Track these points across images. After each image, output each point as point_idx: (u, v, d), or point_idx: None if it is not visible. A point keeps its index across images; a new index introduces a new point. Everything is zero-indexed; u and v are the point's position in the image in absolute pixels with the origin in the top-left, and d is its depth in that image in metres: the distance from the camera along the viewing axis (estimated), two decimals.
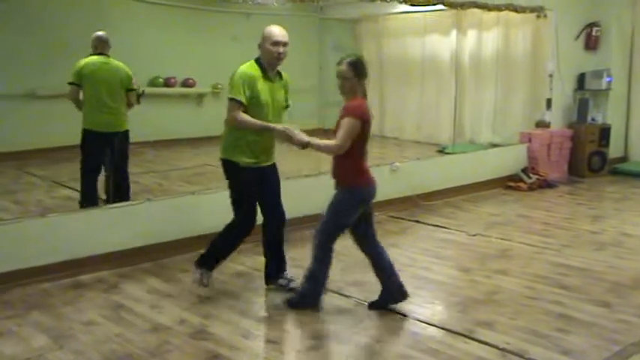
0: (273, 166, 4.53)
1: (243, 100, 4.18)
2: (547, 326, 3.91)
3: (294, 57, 11.70)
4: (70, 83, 5.60)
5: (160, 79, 9.56)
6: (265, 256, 4.58)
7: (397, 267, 5.10)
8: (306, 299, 4.17)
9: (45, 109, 7.83)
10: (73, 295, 4.47)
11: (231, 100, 4.21)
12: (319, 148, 4.09)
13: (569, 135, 8.73)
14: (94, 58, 5.67)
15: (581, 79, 8.94)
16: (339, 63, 4.08)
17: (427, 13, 9.70)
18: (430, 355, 3.56)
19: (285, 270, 4.59)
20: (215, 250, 4.49)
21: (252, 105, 4.20)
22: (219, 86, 10.38)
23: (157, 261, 5.14)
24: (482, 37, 9.72)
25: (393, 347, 3.68)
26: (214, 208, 5.65)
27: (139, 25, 9.02)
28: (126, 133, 5.83)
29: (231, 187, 4.39)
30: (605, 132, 8.87)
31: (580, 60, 8.95)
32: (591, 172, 8.82)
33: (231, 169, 4.31)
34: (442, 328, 3.92)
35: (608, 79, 8.83)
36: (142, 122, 7.11)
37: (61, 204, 5.69)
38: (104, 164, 5.76)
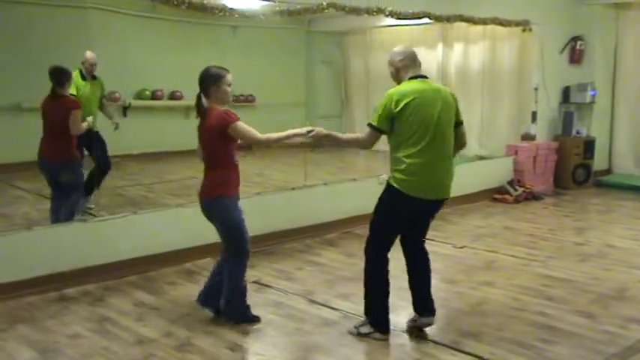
0: None
1: None
2: (532, 337, 3.94)
3: (281, 70, 11.85)
4: None
5: (147, 92, 9.56)
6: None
7: None
8: None
9: (30, 121, 7.77)
10: (58, 308, 4.44)
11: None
12: None
13: (555, 147, 8.82)
14: None
15: (565, 92, 9.05)
16: None
17: (414, 26, 9.77)
18: None
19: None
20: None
21: None
22: None
23: (143, 274, 5.12)
24: (469, 51, 9.83)
25: (379, 359, 3.68)
26: (201, 221, 5.66)
27: (125, 38, 9.02)
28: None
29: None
30: (589, 145, 8.96)
31: (565, 73, 9.06)
32: (576, 185, 8.90)
33: None
34: (427, 340, 3.93)
35: (592, 93, 8.94)
36: (128, 135, 7.12)
37: (47, 217, 5.66)
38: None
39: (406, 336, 3.98)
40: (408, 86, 3.84)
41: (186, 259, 5.44)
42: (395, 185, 3.82)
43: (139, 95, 9.43)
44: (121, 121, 7.10)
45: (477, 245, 6.00)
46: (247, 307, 4.19)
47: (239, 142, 4.08)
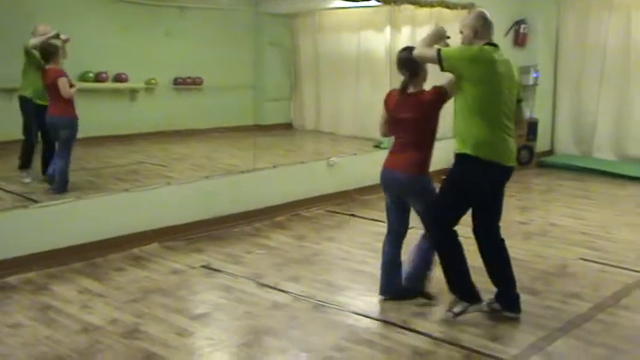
0: None
1: None
2: (478, 315, 4.02)
3: (229, 52, 11.68)
4: None
5: (91, 74, 9.25)
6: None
7: (333, 261, 5.18)
8: None
9: None
10: None
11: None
12: None
13: None
14: None
15: None
16: None
17: (362, 8, 9.77)
18: (365, 346, 3.61)
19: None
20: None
21: None
22: (153, 81, 10.18)
23: (88, 260, 5.00)
24: (417, 33, 9.87)
25: (328, 340, 3.70)
26: (149, 205, 5.57)
27: (67, 18, 8.71)
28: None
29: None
30: (532, 127, 9.17)
31: (509, 56, 8.92)
32: (520, 165, 9.11)
33: None
34: (377, 320, 3.98)
35: (535, 75, 9.15)
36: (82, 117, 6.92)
37: None
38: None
39: (356, 316, 4.02)
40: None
41: (133, 244, 5.34)
42: None
43: (83, 78, 9.11)
44: None
45: None
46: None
47: None
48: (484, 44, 3.84)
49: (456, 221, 3.95)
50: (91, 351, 3.52)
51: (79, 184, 6.79)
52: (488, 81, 3.76)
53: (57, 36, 6.20)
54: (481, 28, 3.86)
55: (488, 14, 3.98)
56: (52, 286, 4.52)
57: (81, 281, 4.62)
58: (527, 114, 3.98)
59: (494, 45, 3.88)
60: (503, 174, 3.92)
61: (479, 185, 3.89)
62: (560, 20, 9.61)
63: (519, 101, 3.98)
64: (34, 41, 6.12)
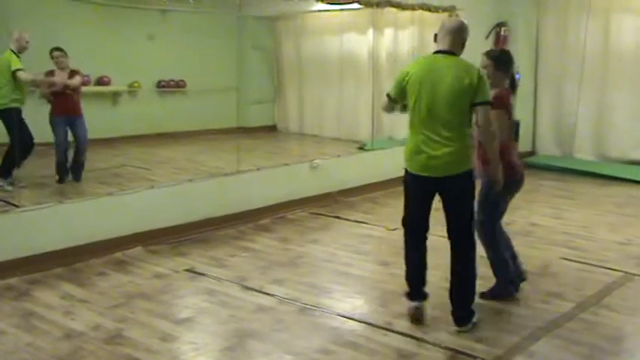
0: None
1: None
2: None
3: (213, 55, 11.64)
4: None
5: None
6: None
7: (317, 263, 5.19)
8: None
9: None
10: None
11: (489, 103, 3.73)
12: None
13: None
14: None
15: None
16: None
17: (345, 11, 9.82)
18: (350, 349, 3.62)
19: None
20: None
21: None
22: (136, 84, 10.13)
23: (70, 265, 4.96)
24: (399, 36, 9.93)
25: (314, 343, 3.70)
26: (132, 209, 5.54)
27: (49, 22, 8.65)
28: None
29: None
30: (514, 127, 9.23)
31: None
32: None
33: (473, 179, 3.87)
34: (362, 322, 3.99)
35: (517, 77, 9.20)
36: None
37: None
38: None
39: (340, 319, 4.03)
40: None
41: (116, 248, 5.30)
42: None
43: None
44: (46, 109, 6.87)
45: None
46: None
47: None
48: (433, 52, 3.87)
49: (415, 224, 3.98)
50: (74, 357, 3.48)
51: (62, 188, 6.75)
52: (409, 92, 3.78)
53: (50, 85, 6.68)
54: (438, 34, 3.89)
55: (449, 22, 4.01)
56: (34, 292, 4.47)
57: (63, 287, 4.58)
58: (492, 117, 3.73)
59: (438, 52, 3.82)
60: (431, 185, 3.80)
61: (415, 193, 3.92)
62: (540, 23, 9.71)
63: (477, 105, 3.69)
64: (25, 77, 6.36)
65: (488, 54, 4.29)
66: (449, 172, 3.74)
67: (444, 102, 3.67)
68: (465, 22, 3.92)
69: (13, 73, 6.24)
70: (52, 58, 6.80)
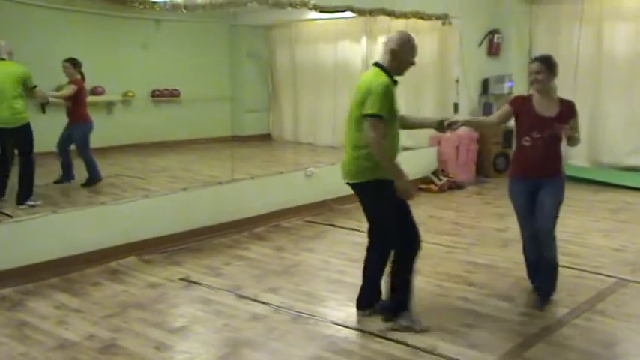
0: None
1: (386, 115, 3.87)
2: (456, 322, 4.05)
3: (206, 64, 11.65)
4: None
5: None
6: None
7: (312, 271, 5.19)
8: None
9: None
10: None
11: (375, 116, 3.85)
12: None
13: (476, 138, 9.09)
14: None
15: (485, 84, 9.36)
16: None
17: (338, 19, 9.85)
18: (344, 356, 3.62)
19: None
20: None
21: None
22: (131, 94, 10.14)
23: (65, 275, 4.95)
24: None
25: (308, 351, 3.70)
26: (127, 218, 5.53)
27: (43, 32, 8.68)
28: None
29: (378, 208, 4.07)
30: (507, 134, 9.26)
31: (484, 66, 9.36)
32: (497, 173, 9.22)
33: (379, 187, 3.95)
34: (357, 329, 3.99)
35: (509, 84, 9.29)
36: (47, 132, 6.86)
37: None
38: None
39: (335, 326, 4.03)
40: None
41: (111, 258, 5.30)
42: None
43: (59, 91, 9.07)
44: (40, 119, 6.85)
45: None
46: None
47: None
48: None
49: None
50: None
51: (56, 197, 6.74)
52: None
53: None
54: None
55: (392, 35, 4.29)
56: (28, 302, 4.47)
57: (57, 296, 4.57)
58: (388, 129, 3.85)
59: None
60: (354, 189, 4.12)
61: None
62: (533, 30, 9.76)
63: (368, 116, 3.89)
64: (42, 94, 6.52)
65: (540, 60, 4.39)
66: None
67: (353, 111, 4.24)
68: (399, 34, 4.28)
69: (31, 89, 6.16)
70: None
